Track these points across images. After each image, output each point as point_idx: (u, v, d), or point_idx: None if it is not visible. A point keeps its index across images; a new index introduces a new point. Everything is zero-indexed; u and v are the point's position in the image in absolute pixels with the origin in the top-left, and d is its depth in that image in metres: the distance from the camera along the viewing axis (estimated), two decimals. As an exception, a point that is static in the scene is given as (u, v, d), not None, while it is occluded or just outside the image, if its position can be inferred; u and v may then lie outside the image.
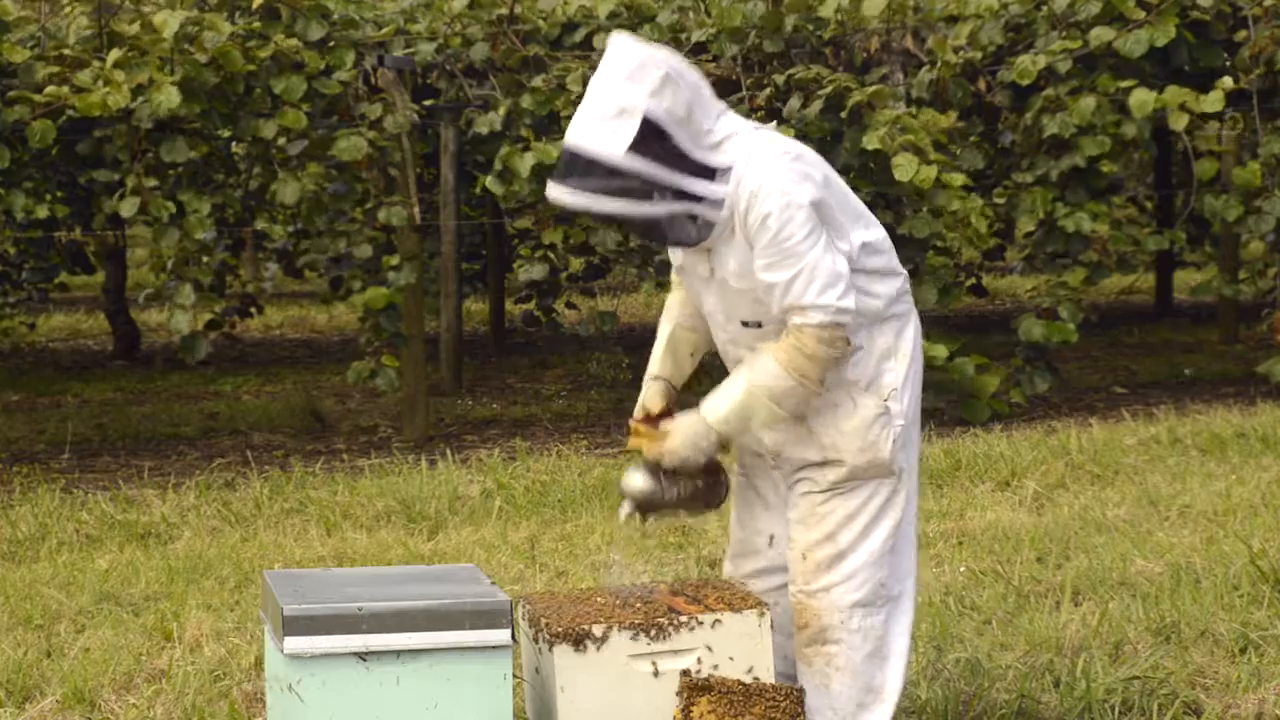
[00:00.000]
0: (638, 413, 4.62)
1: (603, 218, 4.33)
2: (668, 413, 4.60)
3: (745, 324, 4.46)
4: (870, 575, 4.49)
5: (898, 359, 4.52)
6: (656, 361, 4.68)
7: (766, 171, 4.29)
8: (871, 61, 10.86)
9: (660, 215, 4.27)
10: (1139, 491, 8.16)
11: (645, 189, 4.23)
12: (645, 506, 4.56)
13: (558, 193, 4.26)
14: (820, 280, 4.28)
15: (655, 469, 4.54)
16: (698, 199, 4.28)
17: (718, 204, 4.30)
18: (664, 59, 4.25)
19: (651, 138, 4.20)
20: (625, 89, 4.21)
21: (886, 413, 4.48)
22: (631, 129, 4.19)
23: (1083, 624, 5.85)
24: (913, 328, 4.56)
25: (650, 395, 4.63)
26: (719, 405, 4.43)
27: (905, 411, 4.52)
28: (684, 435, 4.46)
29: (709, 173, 4.28)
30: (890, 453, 4.49)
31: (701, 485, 4.58)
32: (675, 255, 4.57)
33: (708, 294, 4.51)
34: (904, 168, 9.93)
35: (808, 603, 4.49)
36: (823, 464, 4.48)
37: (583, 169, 4.22)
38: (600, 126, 4.21)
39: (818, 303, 4.28)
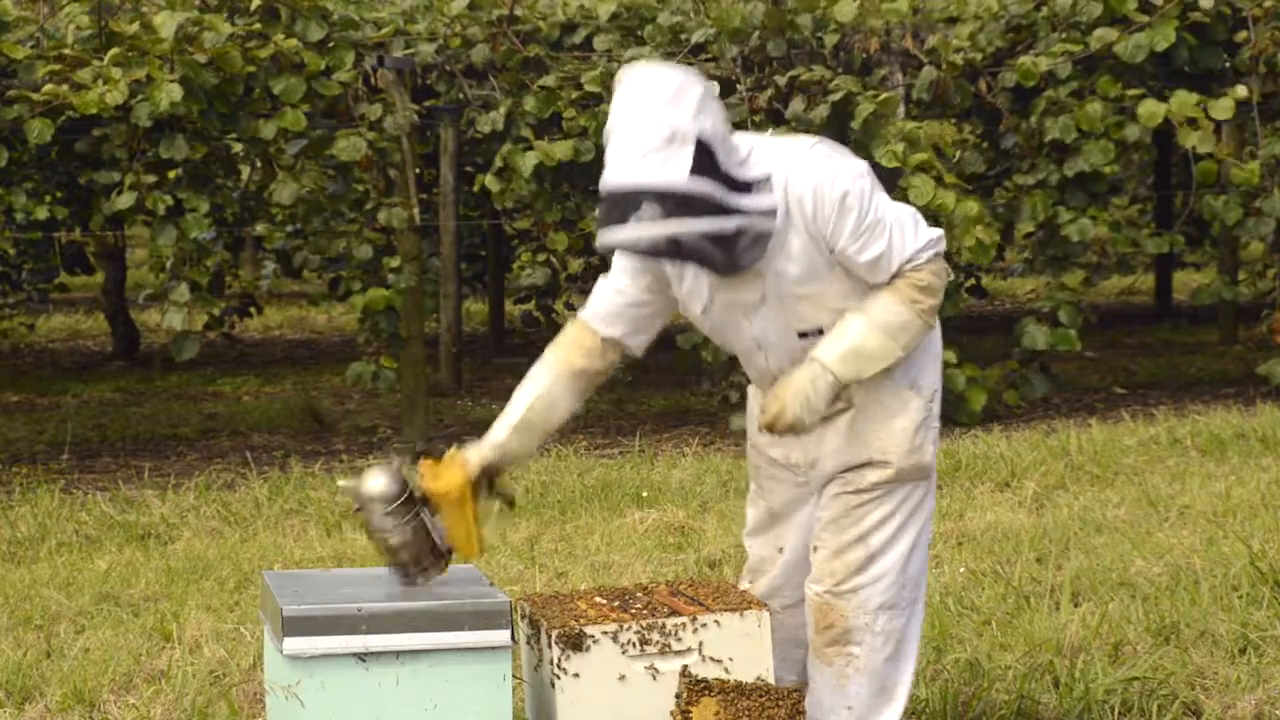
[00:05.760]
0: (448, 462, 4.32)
1: (671, 246, 4.09)
2: (475, 486, 4.33)
3: (804, 335, 4.38)
4: (897, 578, 4.48)
5: (931, 354, 4.52)
6: (504, 430, 4.37)
7: (813, 163, 4.25)
8: (871, 62, 10.85)
9: (730, 229, 4.12)
10: (1138, 492, 8.16)
11: (709, 208, 4.09)
12: (375, 505, 4.28)
13: (617, 236, 4.07)
14: (909, 226, 4.31)
15: (400, 481, 4.28)
16: (749, 213, 4.17)
17: (770, 214, 4.20)
18: (695, 77, 4.14)
19: (705, 159, 4.07)
20: (670, 113, 4.06)
21: (930, 414, 4.49)
22: (688, 153, 4.05)
23: (1082, 624, 5.84)
24: (937, 321, 4.55)
25: (474, 456, 4.33)
26: (834, 346, 4.29)
27: (938, 410, 4.53)
28: (798, 381, 4.28)
29: (748, 187, 4.18)
30: (930, 455, 4.50)
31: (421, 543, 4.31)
32: (696, 301, 4.38)
33: (753, 321, 4.38)
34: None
35: (835, 603, 4.47)
36: (864, 465, 4.45)
37: (640, 205, 4.04)
38: (654, 157, 4.05)
39: (920, 245, 4.30)
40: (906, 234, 4.30)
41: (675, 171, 4.04)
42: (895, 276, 4.30)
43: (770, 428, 4.32)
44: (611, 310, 4.44)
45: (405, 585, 4.33)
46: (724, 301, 4.38)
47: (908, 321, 4.30)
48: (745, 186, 4.17)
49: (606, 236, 4.10)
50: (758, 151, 4.25)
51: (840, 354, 4.28)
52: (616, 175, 4.08)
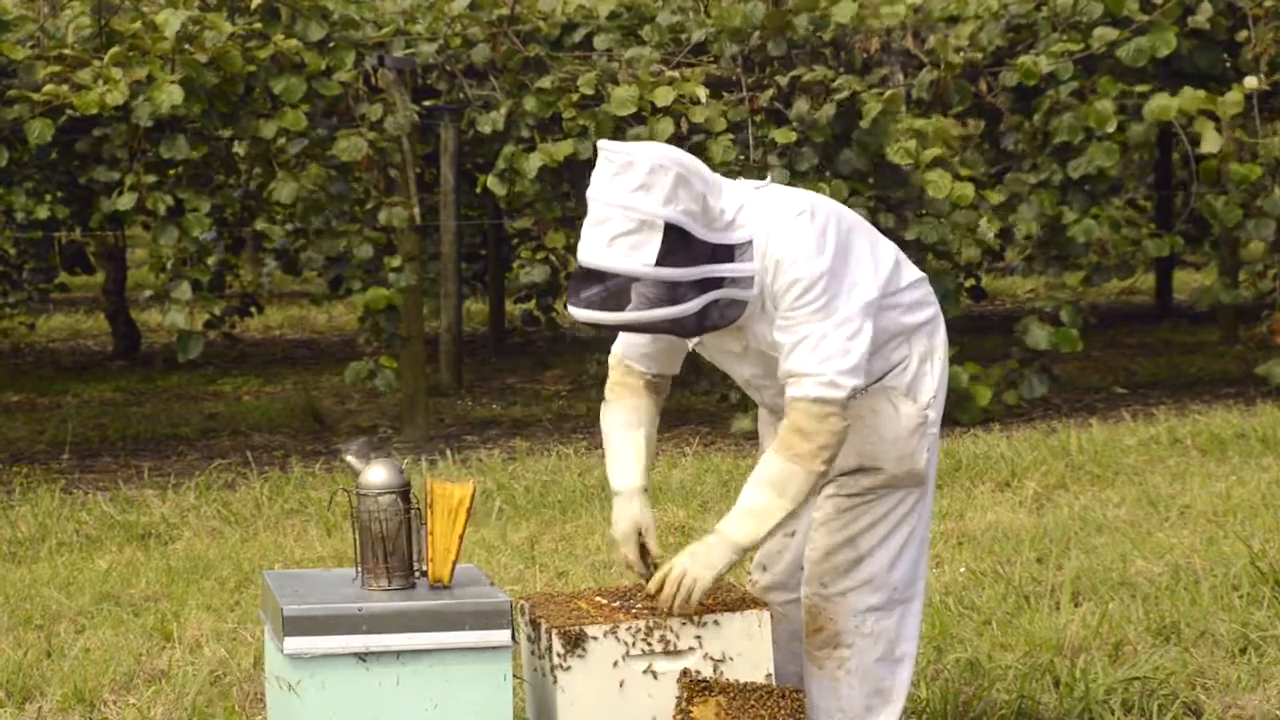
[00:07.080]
0: (639, 552, 4.54)
1: (638, 328, 4.22)
2: (473, 503, 4.48)
3: None
4: (885, 580, 4.49)
5: (934, 362, 4.50)
6: (640, 472, 4.58)
7: (787, 238, 4.22)
8: (871, 62, 10.85)
9: (696, 310, 4.17)
10: (1139, 492, 8.15)
11: (676, 291, 4.14)
12: (373, 490, 4.39)
13: (585, 314, 4.15)
14: (824, 350, 4.19)
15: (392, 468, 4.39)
16: (726, 282, 4.19)
17: (747, 281, 4.22)
18: (670, 158, 4.13)
19: (676, 242, 4.10)
20: (641, 200, 4.09)
21: (925, 421, 4.47)
22: (656, 241, 4.08)
23: (1083, 624, 5.84)
24: (942, 328, 4.54)
25: (648, 517, 4.57)
26: (733, 510, 4.32)
27: (938, 418, 4.52)
28: (693, 545, 4.37)
29: (730, 253, 4.19)
30: (924, 462, 4.49)
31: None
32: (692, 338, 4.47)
33: (741, 365, 4.46)
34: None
35: (823, 606, 4.50)
36: (857, 471, 4.46)
37: (609, 287, 4.13)
38: (621, 243, 4.09)
39: (813, 370, 4.18)
40: (816, 352, 4.19)
41: (641, 260, 4.10)
42: (785, 385, 4.23)
43: (660, 591, 4.34)
44: (638, 352, 4.57)
45: (365, 585, 4.33)
46: (712, 344, 4.45)
47: (787, 472, 4.23)
48: (728, 252, 4.20)
49: (576, 310, 4.19)
50: (746, 210, 4.26)
51: (733, 517, 4.31)
52: (587, 255, 4.16)
